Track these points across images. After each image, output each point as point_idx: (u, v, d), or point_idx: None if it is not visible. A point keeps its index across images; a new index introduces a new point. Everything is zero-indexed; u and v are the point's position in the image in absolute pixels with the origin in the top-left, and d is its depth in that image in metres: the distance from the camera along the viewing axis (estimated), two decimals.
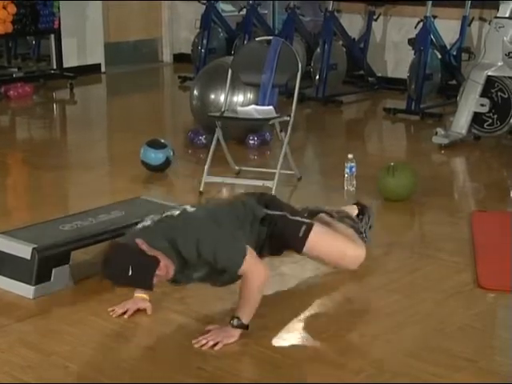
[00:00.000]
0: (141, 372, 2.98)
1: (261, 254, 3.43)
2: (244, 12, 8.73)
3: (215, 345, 3.10)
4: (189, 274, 3.22)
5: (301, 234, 3.54)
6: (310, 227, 3.55)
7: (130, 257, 3.04)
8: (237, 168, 5.44)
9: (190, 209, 3.27)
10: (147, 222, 3.24)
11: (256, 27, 8.70)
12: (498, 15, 6.28)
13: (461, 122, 6.26)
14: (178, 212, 3.24)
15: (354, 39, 8.44)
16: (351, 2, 8.54)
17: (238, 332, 3.15)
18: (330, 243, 3.65)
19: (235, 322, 3.15)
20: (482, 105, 6.23)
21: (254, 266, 3.17)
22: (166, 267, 3.08)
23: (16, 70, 8.82)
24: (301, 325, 3.35)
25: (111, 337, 3.26)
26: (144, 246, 3.06)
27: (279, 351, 3.12)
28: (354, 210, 4.06)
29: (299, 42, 8.41)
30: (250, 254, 3.17)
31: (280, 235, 3.53)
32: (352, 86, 8.50)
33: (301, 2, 8.58)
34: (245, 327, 3.16)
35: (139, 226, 3.26)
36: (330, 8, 7.97)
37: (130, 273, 2.99)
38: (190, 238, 3.12)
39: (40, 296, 3.57)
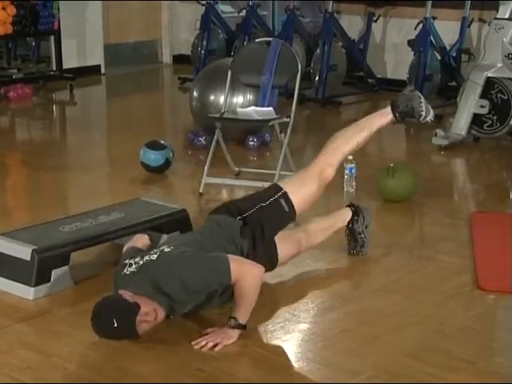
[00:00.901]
0: (140, 373, 2.98)
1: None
2: (244, 13, 8.74)
3: (214, 346, 3.10)
4: (181, 309, 3.23)
5: (286, 209, 3.61)
6: (285, 195, 3.61)
7: (113, 309, 3.07)
8: (236, 169, 5.45)
9: (166, 249, 3.24)
10: (131, 268, 3.23)
11: (256, 28, 8.71)
12: (497, 16, 6.28)
13: (460, 124, 6.27)
14: (156, 255, 3.22)
15: (353, 40, 8.45)
16: (351, 3, 8.55)
17: (236, 333, 3.15)
18: (305, 188, 3.72)
19: (232, 322, 3.15)
20: (482, 106, 6.23)
21: (242, 270, 3.18)
22: (154, 311, 3.09)
23: (16, 71, 8.82)
24: (300, 326, 3.35)
25: None
26: (127, 296, 3.08)
27: (278, 352, 3.12)
28: (347, 213, 4.04)
29: (299, 43, 8.42)
30: (233, 262, 3.19)
31: (271, 224, 3.57)
32: (352, 87, 8.51)
33: (300, 3, 8.59)
34: (242, 327, 3.16)
35: (124, 271, 3.24)
36: (330, 9, 7.98)
37: (116, 325, 3.02)
38: (172, 278, 3.12)
39: (40, 297, 3.57)
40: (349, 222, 4.02)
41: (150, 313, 3.08)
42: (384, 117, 3.98)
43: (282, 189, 3.65)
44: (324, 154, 3.80)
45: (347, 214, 4.03)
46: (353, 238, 4.02)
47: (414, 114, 3.95)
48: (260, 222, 3.52)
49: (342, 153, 3.83)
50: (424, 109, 3.91)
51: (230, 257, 3.22)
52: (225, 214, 3.55)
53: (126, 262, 3.27)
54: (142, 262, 3.22)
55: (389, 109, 3.96)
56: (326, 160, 3.77)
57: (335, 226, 3.98)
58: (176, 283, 3.12)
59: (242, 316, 3.17)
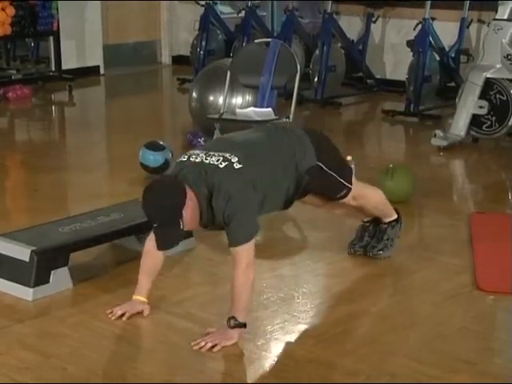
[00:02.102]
0: (140, 374, 2.97)
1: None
2: (243, 14, 8.74)
3: (214, 347, 3.10)
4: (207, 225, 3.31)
5: (338, 195, 3.71)
6: (347, 193, 3.69)
7: (167, 189, 3.15)
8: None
9: (236, 165, 3.22)
10: (197, 159, 3.27)
11: (255, 29, 8.71)
12: (496, 17, 6.29)
13: (459, 124, 6.27)
14: (224, 164, 3.21)
15: (352, 41, 8.45)
16: (350, 4, 8.55)
17: (236, 334, 3.15)
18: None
19: (232, 322, 3.15)
20: (481, 107, 6.23)
21: (245, 256, 3.16)
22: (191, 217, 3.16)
23: (15, 72, 8.82)
24: (300, 327, 3.35)
25: (110, 339, 3.25)
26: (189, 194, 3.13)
27: (278, 353, 3.11)
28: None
29: (298, 43, 8.42)
30: (248, 249, 3.17)
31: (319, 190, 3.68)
32: (351, 87, 8.50)
33: (299, 3, 8.59)
34: (242, 325, 3.15)
35: (193, 158, 3.28)
36: (329, 10, 7.98)
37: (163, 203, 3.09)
38: (223, 195, 3.15)
39: (39, 298, 3.57)
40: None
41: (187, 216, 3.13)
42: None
43: (349, 188, 3.73)
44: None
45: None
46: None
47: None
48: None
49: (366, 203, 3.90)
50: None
51: (252, 242, 3.18)
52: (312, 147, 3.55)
53: (188, 153, 3.33)
54: (207, 161, 3.23)
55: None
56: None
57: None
58: (224, 201, 3.14)
59: (241, 314, 3.16)
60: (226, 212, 3.15)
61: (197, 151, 3.35)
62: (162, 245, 3.20)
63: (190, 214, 3.15)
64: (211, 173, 3.20)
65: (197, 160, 3.27)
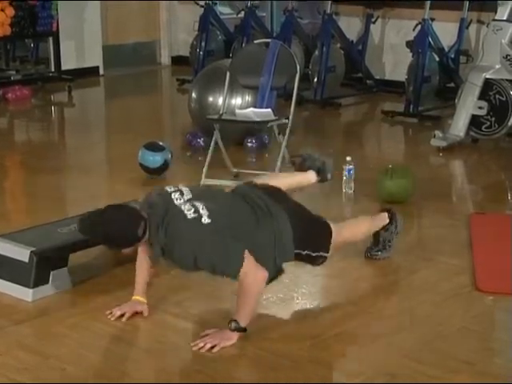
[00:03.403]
0: (139, 375, 2.97)
1: None
2: (242, 14, 8.74)
3: (213, 347, 3.10)
4: (169, 264, 3.34)
5: (318, 263, 3.59)
6: (324, 260, 3.56)
7: (122, 216, 3.23)
8: (235, 170, 5.44)
9: (205, 220, 3.16)
10: (177, 201, 3.24)
11: (254, 30, 8.71)
12: (495, 18, 6.28)
13: (459, 125, 6.27)
14: (192, 215, 3.17)
15: (352, 42, 8.45)
16: (349, 5, 8.54)
17: (235, 335, 3.15)
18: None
19: (233, 325, 3.15)
20: (480, 107, 6.23)
21: (251, 271, 3.15)
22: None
23: (14, 72, 8.83)
24: (299, 327, 3.35)
25: (109, 339, 3.26)
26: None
27: (277, 354, 3.11)
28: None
29: (297, 44, 8.41)
30: (248, 262, 3.15)
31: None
32: (350, 88, 8.50)
33: (299, 4, 8.59)
34: (243, 330, 3.16)
35: (174, 196, 3.26)
36: (328, 10, 7.98)
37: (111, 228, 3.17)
38: (189, 251, 3.13)
39: (38, 299, 3.57)
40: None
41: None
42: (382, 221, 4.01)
43: (326, 255, 3.57)
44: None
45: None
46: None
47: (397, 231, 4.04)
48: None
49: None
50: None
51: (247, 255, 3.16)
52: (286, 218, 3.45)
53: (179, 188, 3.32)
54: (177, 208, 3.20)
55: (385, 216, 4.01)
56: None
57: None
58: (189, 259, 3.14)
59: (243, 319, 3.16)
60: (203, 267, 3.18)
61: (185, 189, 3.31)
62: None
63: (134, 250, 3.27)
64: (174, 226, 3.17)
65: (176, 202, 3.23)
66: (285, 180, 3.85)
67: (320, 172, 3.92)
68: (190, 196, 3.28)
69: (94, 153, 6.40)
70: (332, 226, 3.59)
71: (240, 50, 7.21)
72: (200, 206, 3.20)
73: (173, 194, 3.28)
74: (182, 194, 3.29)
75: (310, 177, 3.92)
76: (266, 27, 9.01)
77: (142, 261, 3.43)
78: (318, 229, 3.57)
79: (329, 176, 3.95)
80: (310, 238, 3.52)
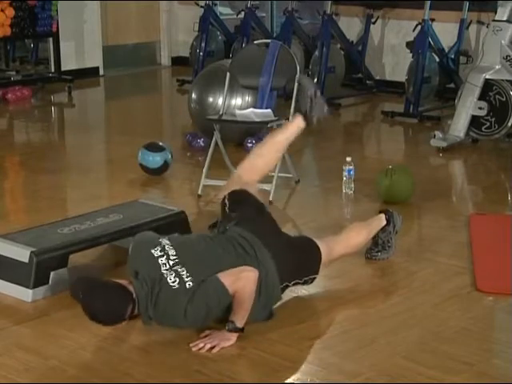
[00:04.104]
0: (139, 375, 2.97)
1: None
2: (242, 15, 8.74)
3: (212, 348, 3.10)
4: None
5: (307, 284, 3.58)
6: (313, 280, 3.56)
7: (108, 293, 3.19)
8: (235, 171, 5.43)
9: (188, 284, 3.15)
10: (163, 267, 3.22)
11: (254, 30, 8.71)
12: (495, 18, 6.28)
13: (459, 125, 6.27)
14: (175, 284, 3.16)
15: (352, 42, 8.45)
16: (349, 5, 8.55)
17: (234, 335, 3.16)
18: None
19: (230, 326, 3.16)
20: (480, 108, 6.23)
21: (237, 282, 3.16)
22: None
23: (14, 73, 8.82)
24: (298, 328, 3.35)
25: (109, 340, 3.25)
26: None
27: (277, 354, 3.11)
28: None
29: (297, 45, 8.42)
30: (226, 278, 3.15)
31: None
32: (350, 88, 8.51)
33: (299, 4, 8.59)
34: (240, 330, 3.17)
35: (161, 262, 3.24)
36: (328, 11, 7.98)
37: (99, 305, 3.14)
38: (179, 315, 3.13)
39: (38, 299, 3.57)
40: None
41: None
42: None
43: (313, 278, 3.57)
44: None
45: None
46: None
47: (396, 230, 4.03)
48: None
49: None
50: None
51: (221, 275, 3.16)
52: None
53: (165, 250, 3.28)
54: (164, 279, 3.17)
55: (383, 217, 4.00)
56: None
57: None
58: (180, 320, 3.15)
59: (240, 319, 3.17)
60: (198, 319, 3.17)
61: (172, 252, 3.27)
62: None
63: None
64: (162, 297, 3.15)
65: (162, 270, 3.20)
66: (271, 148, 3.88)
67: (307, 114, 3.93)
68: (175, 260, 3.24)
69: (94, 153, 6.40)
70: (322, 246, 3.57)
71: (240, 50, 7.20)
72: (184, 271, 3.20)
73: (159, 260, 3.24)
74: (168, 257, 3.25)
75: (298, 124, 3.90)
76: (266, 28, 9.01)
77: None
78: (306, 258, 3.54)
79: (314, 120, 3.94)
80: (297, 270, 3.49)
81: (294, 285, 3.50)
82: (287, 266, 3.43)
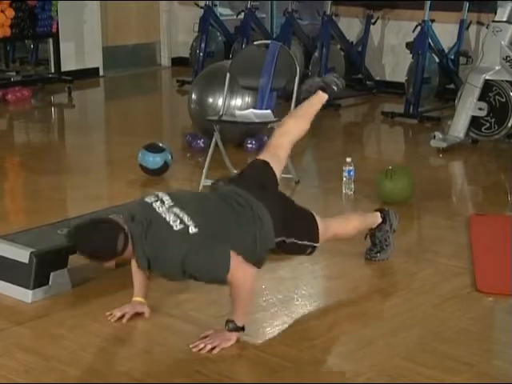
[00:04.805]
0: (139, 376, 2.97)
1: None
2: (242, 16, 8.74)
3: (213, 349, 3.10)
4: (158, 274, 3.32)
5: (305, 254, 3.61)
6: (313, 250, 3.58)
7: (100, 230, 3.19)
8: (235, 171, 5.44)
9: (192, 230, 3.14)
10: (160, 209, 3.21)
11: (254, 31, 8.71)
12: (495, 19, 6.28)
13: (459, 126, 6.27)
14: (178, 226, 3.16)
15: (351, 43, 8.45)
16: (349, 6, 8.55)
17: (235, 336, 3.15)
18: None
19: (230, 325, 3.16)
20: (480, 108, 6.23)
21: (240, 270, 3.15)
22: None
23: (14, 73, 8.82)
24: (298, 328, 3.35)
25: (109, 341, 3.26)
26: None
27: (277, 355, 3.11)
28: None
29: (297, 45, 8.42)
30: (234, 262, 3.14)
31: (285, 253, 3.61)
32: (350, 89, 8.50)
33: (299, 5, 8.59)
34: (240, 329, 3.17)
35: (156, 205, 3.24)
36: (328, 12, 7.98)
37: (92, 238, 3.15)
38: (176, 261, 3.12)
39: (38, 300, 3.57)
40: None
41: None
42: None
43: (315, 246, 3.58)
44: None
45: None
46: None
47: (393, 229, 4.04)
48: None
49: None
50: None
51: (233, 255, 3.15)
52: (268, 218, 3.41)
53: (158, 196, 3.28)
54: (161, 218, 3.17)
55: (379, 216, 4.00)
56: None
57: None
58: (177, 267, 3.12)
59: (239, 318, 3.17)
60: (192, 273, 3.16)
61: (166, 198, 3.27)
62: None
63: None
64: (161, 238, 3.16)
65: (159, 211, 3.21)
66: (300, 112, 4.33)
67: (325, 88, 4.25)
68: (171, 203, 3.24)
69: (94, 154, 6.40)
70: (318, 218, 3.60)
71: (240, 51, 7.21)
72: (185, 215, 3.18)
73: (154, 204, 3.24)
74: (162, 202, 3.25)
75: (321, 97, 4.30)
76: (266, 28, 9.01)
77: (135, 265, 3.43)
78: (302, 218, 3.57)
79: (334, 88, 4.31)
80: (294, 226, 3.50)
81: (292, 244, 3.46)
82: (284, 220, 3.42)
